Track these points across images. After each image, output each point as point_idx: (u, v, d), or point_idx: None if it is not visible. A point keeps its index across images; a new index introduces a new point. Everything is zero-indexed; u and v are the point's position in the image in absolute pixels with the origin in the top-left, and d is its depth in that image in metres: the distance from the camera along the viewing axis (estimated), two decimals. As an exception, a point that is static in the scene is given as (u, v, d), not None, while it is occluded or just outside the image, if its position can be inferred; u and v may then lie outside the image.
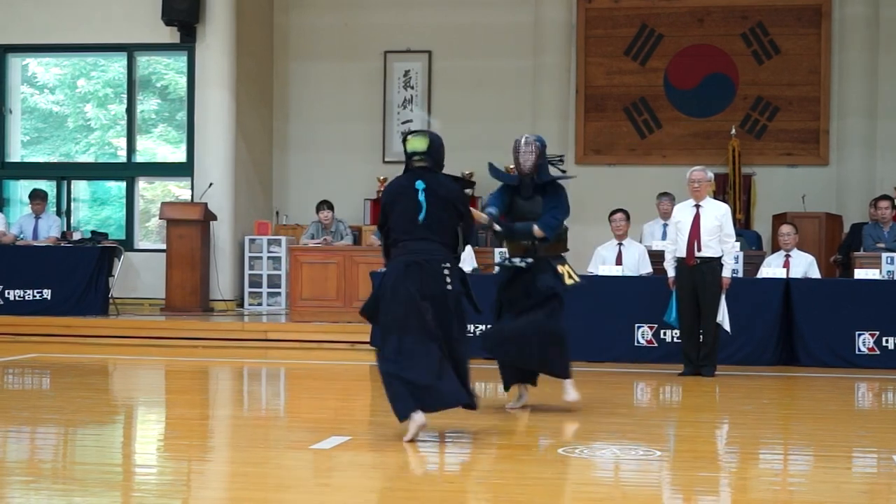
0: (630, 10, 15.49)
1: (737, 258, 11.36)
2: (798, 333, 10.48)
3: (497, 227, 7.33)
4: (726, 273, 9.56)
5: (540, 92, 15.51)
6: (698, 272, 9.49)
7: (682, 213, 9.70)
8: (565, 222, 7.55)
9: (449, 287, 6.28)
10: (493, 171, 7.65)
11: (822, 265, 11.91)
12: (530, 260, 7.33)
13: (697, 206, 9.60)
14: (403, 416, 6.15)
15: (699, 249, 9.49)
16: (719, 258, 9.52)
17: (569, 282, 7.43)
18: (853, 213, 14.11)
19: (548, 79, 15.46)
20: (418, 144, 6.43)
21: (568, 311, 10.54)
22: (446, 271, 6.30)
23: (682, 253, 9.57)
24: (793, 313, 10.52)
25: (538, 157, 7.37)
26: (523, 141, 7.39)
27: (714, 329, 9.56)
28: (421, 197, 6.30)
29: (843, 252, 12.74)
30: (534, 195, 7.41)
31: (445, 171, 6.55)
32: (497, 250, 10.66)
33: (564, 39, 15.52)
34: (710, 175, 9.85)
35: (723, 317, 9.57)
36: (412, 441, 6.09)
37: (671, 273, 9.71)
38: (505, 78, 15.67)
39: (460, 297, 6.37)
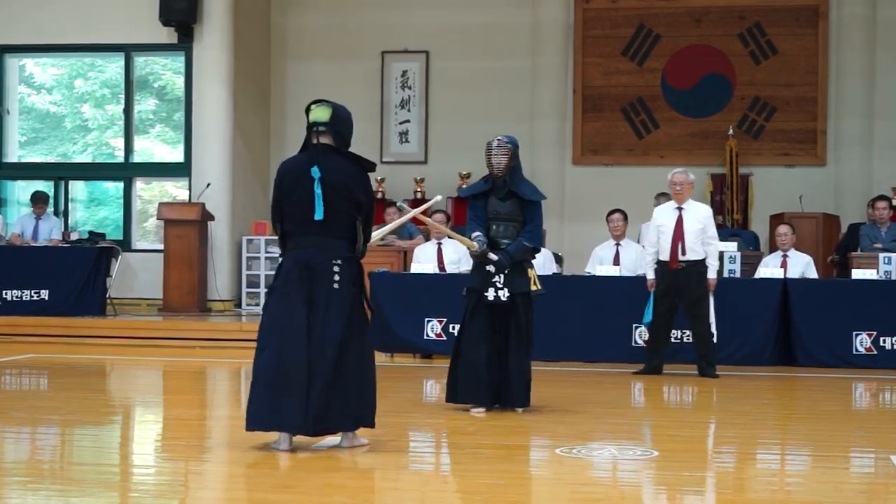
0: (627, 11, 15.49)
1: (732, 258, 11.39)
2: (796, 333, 10.48)
3: (493, 257, 7.23)
4: (711, 275, 9.56)
5: (537, 92, 15.51)
6: (683, 275, 9.48)
7: (664, 216, 9.69)
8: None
9: (336, 286, 5.77)
10: (464, 191, 7.61)
11: (819, 265, 11.91)
12: (508, 295, 7.24)
13: (680, 208, 9.62)
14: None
15: (683, 253, 9.47)
16: (703, 260, 9.52)
17: (534, 288, 7.39)
18: (850, 214, 14.12)
19: (545, 79, 15.46)
20: (320, 114, 5.86)
21: (566, 311, 10.63)
22: (336, 268, 5.78)
23: (665, 256, 9.56)
24: (790, 313, 10.52)
25: (510, 158, 7.34)
26: (495, 143, 7.36)
27: (707, 331, 9.57)
28: (317, 188, 5.75)
29: (841, 252, 12.75)
30: (508, 197, 7.38)
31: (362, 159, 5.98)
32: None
33: (562, 40, 15.52)
34: (692, 177, 9.85)
35: (711, 319, 9.59)
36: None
37: (650, 275, 9.70)
38: (502, 78, 15.67)
39: (352, 297, 5.85)
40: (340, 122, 5.91)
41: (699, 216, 9.60)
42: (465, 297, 7.38)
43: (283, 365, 5.73)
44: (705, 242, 9.54)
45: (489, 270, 7.26)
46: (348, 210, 5.83)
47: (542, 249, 11.32)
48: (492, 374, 7.22)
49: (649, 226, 12.77)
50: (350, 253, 5.86)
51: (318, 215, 5.75)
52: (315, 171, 5.77)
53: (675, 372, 9.85)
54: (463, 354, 7.27)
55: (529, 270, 7.36)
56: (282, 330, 5.76)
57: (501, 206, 7.37)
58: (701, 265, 9.51)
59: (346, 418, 5.84)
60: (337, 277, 5.78)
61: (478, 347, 7.21)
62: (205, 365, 10.66)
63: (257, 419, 5.83)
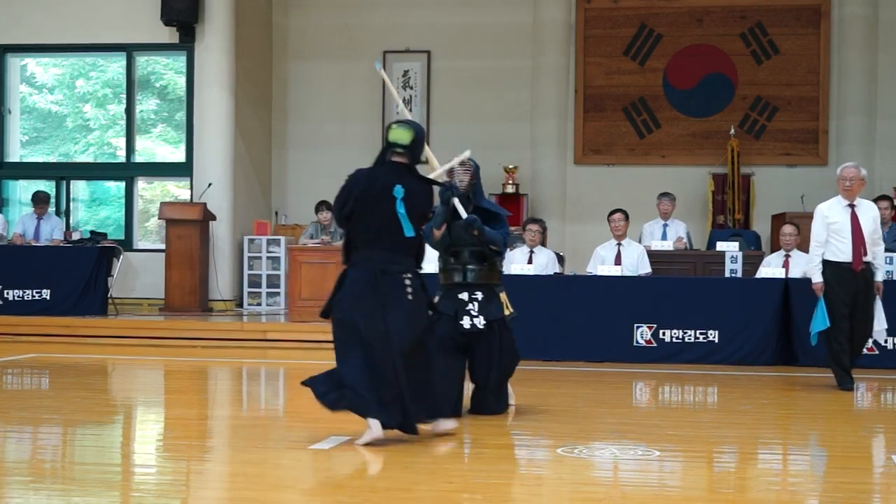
0: (629, 10, 15.49)
1: (734, 258, 11.39)
2: (797, 333, 10.47)
3: (463, 212, 7.00)
4: (879, 277, 8.83)
5: (539, 92, 15.52)
6: (862, 278, 8.72)
7: (835, 213, 8.81)
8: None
9: (410, 297, 6.15)
10: (431, 224, 7.32)
11: (820, 265, 11.89)
12: (484, 322, 7.13)
13: (852, 206, 8.80)
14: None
15: (866, 254, 8.70)
16: (871, 262, 8.81)
17: (507, 312, 7.30)
18: (852, 213, 14.10)
19: (547, 79, 15.47)
20: (402, 136, 6.25)
21: (568, 311, 10.64)
22: (407, 280, 6.17)
23: (845, 257, 8.70)
24: (792, 313, 10.52)
25: (472, 177, 7.27)
26: (458, 161, 7.32)
27: (865, 339, 8.95)
28: (400, 208, 6.11)
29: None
30: (472, 212, 7.28)
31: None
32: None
33: (563, 39, 15.52)
34: (864, 172, 8.92)
35: (879, 325, 8.91)
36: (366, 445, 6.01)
37: (818, 278, 8.80)
38: (504, 78, 15.68)
39: (423, 305, 6.27)
40: (418, 145, 6.30)
41: (872, 214, 8.83)
42: (433, 315, 6.86)
43: (370, 368, 6.00)
44: (875, 242, 8.82)
45: (461, 298, 7.16)
46: (418, 227, 6.27)
47: (544, 249, 11.40)
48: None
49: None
50: (416, 264, 6.30)
51: (409, 232, 6.16)
52: (398, 191, 6.12)
53: (675, 371, 9.84)
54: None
55: (501, 294, 7.31)
56: (362, 336, 6.03)
57: (461, 221, 7.19)
58: (871, 266, 8.80)
59: (425, 412, 6.20)
60: (409, 288, 6.16)
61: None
62: (206, 365, 10.66)
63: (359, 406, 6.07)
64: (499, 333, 7.21)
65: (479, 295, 7.17)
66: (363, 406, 6.01)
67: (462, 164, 7.26)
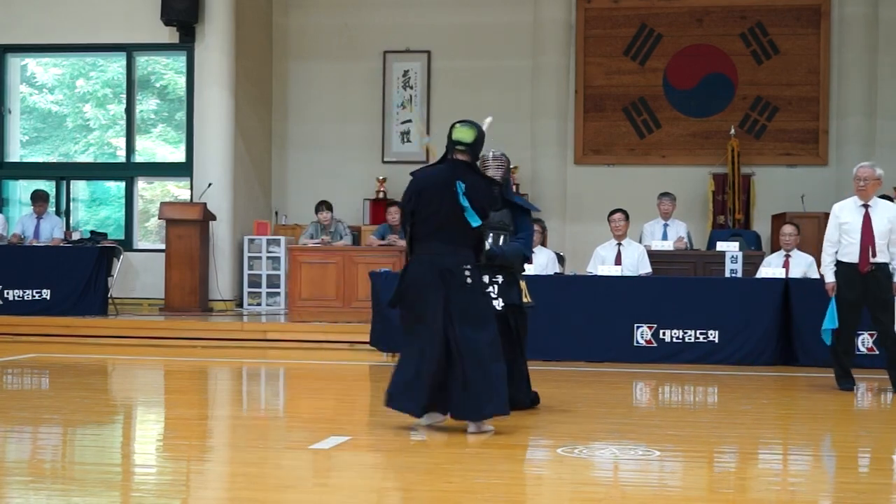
0: (629, 10, 15.49)
1: (734, 258, 11.39)
2: (797, 333, 10.48)
3: (487, 246, 7.20)
4: None
5: (539, 92, 15.52)
6: (871, 279, 8.63)
7: (848, 213, 8.74)
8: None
9: (469, 287, 6.45)
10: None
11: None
12: (503, 305, 7.23)
13: (866, 206, 8.70)
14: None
15: (874, 255, 8.60)
16: (888, 263, 8.67)
17: (525, 300, 7.41)
18: (852, 213, 14.10)
19: (547, 79, 15.47)
20: (465, 135, 6.60)
21: (568, 311, 10.63)
22: (467, 271, 6.46)
23: (852, 258, 8.65)
24: (792, 313, 10.52)
25: (505, 171, 7.44)
26: (491, 155, 7.42)
27: (893, 340, 8.79)
28: (464, 201, 6.42)
29: (843, 252, 12.71)
30: (501, 207, 7.41)
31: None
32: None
33: (563, 39, 15.52)
34: (880, 172, 8.80)
35: None
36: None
37: (830, 278, 8.78)
38: (504, 78, 15.68)
39: (482, 296, 6.63)
40: (479, 144, 6.65)
41: (888, 215, 8.67)
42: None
43: (423, 360, 6.38)
44: (892, 243, 8.65)
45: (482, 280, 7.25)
46: (480, 219, 6.53)
47: (545, 249, 11.40)
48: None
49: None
50: (475, 258, 6.59)
51: (474, 223, 6.43)
52: (460, 186, 6.43)
53: (675, 371, 9.83)
54: None
55: (521, 282, 7.39)
56: (421, 327, 6.41)
57: (495, 214, 7.37)
58: (887, 268, 8.66)
59: (477, 408, 6.43)
60: (469, 280, 6.46)
61: None
62: (206, 365, 10.66)
63: (402, 401, 6.51)
64: (514, 319, 7.30)
65: (500, 278, 7.27)
66: (398, 402, 6.47)
67: (495, 158, 7.38)
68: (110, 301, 13.54)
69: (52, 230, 13.82)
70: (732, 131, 14.84)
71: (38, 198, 13.88)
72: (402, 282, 6.57)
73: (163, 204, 14.21)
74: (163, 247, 14.13)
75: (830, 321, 8.73)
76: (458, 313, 6.37)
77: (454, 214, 6.42)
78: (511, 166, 7.56)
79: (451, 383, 6.37)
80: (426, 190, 6.51)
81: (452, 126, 6.67)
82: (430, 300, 6.39)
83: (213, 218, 14.11)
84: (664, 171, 15.19)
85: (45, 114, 16.69)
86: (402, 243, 12.63)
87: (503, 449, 6.20)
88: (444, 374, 6.38)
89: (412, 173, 6.71)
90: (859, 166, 8.88)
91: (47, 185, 15.22)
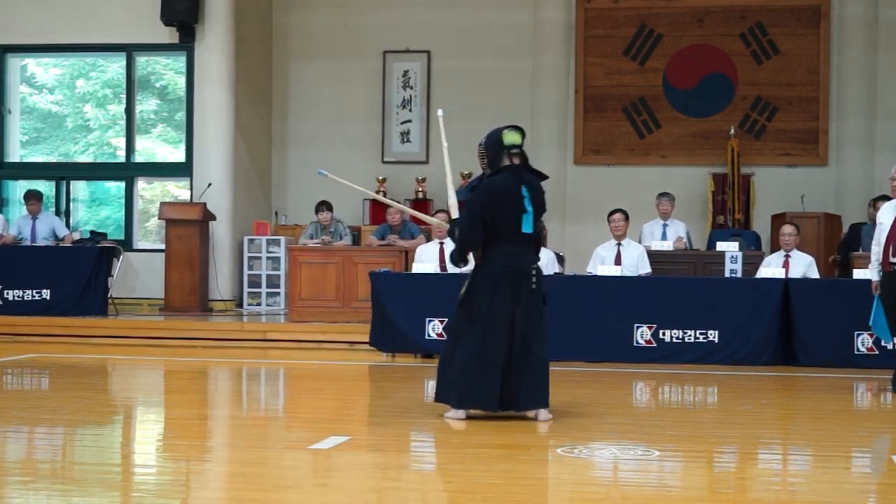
0: (629, 10, 15.49)
1: (734, 258, 11.38)
2: (797, 333, 10.47)
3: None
4: None
5: (539, 92, 15.52)
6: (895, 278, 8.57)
7: (885, 214, 8.71)
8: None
9: (534, 287, 6.85)
10: (461, 193, 7.63)
11: (820, 265, 11.90)
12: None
13: None
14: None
15: (894, 254, 8.54)
16: None
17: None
18: (852, 214, 14.12)
19: (547, 79, 15.47)
20: (516, 138, 6.97)
21: (567, 311, 10.62)
22: (534, 272, 6.86)
23: (880, 258, 8.65)
24: (791, 313, 10.52)
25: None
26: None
27: None
28: (528, 206, 6.84)
29: (842, 252, 12.75)
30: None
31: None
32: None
33: (563, 39, 15.52)
34: None
35: None
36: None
37: (875, 277, 8.74)
38: (504, 78, 15.67)
39: (542, 296, 6.95)
40: (523, 143, 7.04)
41: None
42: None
43: (484, 352, 6.78)
44: None
45: None
46: (538, 221, 7.01)
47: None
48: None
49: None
50: (538, 258, 7.04)
51: (528, 228, 6.87)
52: (525, 191, 6.88)
53: (675, 371, 9.83)
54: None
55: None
56: (489, 322, 6.79)
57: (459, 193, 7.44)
58: None
59: (532, 400, 6.94)
60: (535, 280, 6.87)
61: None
62: (206, 365, 10.66)
63: (461, 398, 6.88)
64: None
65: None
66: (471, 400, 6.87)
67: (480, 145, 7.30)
68: (110, 301, 13.54)
69: (51, 229, 13.77)
70: (732, 131, 14.83)
71: (31, 197, 13.83)
72: (470, 285, 6.91)
73: (163, 204, 14.21)
74: (163, 247, 14.13)
75: (877, 322, 8.77)
76: (523, 312, 6.78)
77: (520, 219, 6.86)
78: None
79: (514, 376, 6.79)
80: (501, 197, 6.84)
81: (500, 132, 6.96)
82: (501, 297, 6.77)
83: (213, 218, 14.11)
84: (664, 171, 15.18)
85: (45, 114, 16.69)
86: (402, 243, 12.69)
87: (503, 449, 6.20)
88: (507, 369, 6.78)
89: (478, 181, 7.06)
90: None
91: (47, 186, 15.22)
